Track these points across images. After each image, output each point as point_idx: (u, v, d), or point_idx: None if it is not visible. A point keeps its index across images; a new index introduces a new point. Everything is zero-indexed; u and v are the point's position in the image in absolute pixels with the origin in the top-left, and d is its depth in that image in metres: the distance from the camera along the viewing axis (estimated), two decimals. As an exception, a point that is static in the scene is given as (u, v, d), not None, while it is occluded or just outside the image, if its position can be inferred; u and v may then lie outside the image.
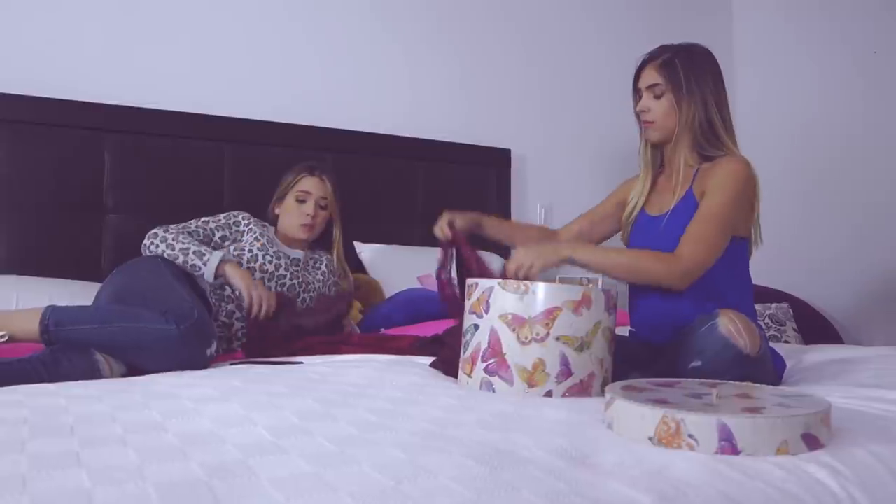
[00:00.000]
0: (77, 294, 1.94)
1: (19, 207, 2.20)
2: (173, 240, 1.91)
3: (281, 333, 1.85)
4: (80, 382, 1.28)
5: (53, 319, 1.53)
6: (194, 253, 1.89)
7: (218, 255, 1.90)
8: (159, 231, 1.94)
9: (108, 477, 0.72)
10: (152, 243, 1.91)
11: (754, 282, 1.70)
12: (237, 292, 1.91)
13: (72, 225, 2.26)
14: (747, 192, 1.58)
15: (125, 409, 1.03)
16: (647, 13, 3.51)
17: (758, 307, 2.72)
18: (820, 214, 3.25)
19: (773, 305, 3.02)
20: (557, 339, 1.25)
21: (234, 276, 1.90)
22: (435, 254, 2.67)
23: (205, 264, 1.89)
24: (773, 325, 2.95)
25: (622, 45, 3.34)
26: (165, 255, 1.89)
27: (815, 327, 3.06)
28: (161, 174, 2.39)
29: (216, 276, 1.90)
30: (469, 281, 1.36)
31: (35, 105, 2.21)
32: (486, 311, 1.29)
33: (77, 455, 0.79)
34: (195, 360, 1.53)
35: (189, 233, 1.98)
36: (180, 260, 1.89)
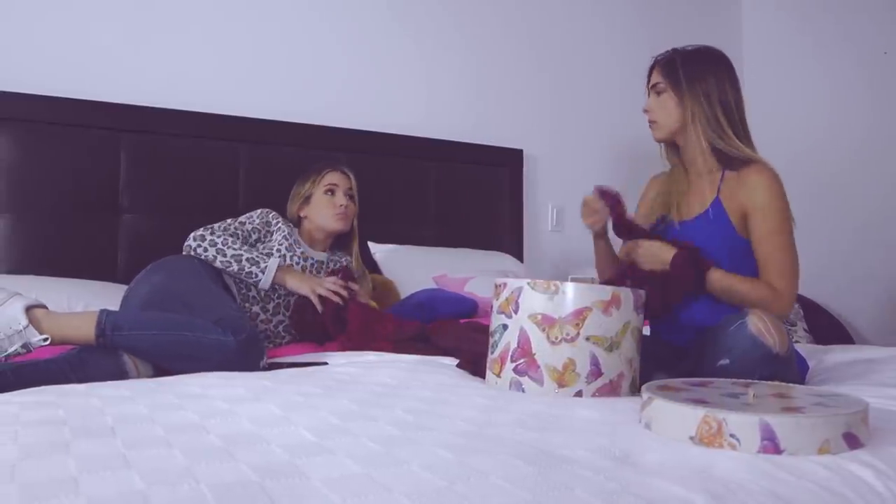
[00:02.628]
0: (97, 294, 1.94)
1: (35, 207, 2.19)
2: (223, 244, 1.88)
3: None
4: (109, 383, 1.27)
5: (111, 324, 1.50)
6: (248, 261, 1.88)
7: (274, 262, 1.90)
8: (206, 234, 1.90)
9: (160, 478, 0.72)
10: (199, 246, 1.87)
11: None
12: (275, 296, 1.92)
13: (87, 225, 2.25)
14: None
15: (161, 410, 1.02)
16: (656, 15, 3.51)
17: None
18: (829, 215, 3.25)
19: (784, 305, 3.02)
20: (587, 339, 1.25)
21: (294, 281, 1.91)
22: (447, 254, 2.71)
23: (262, 272, 1.88)
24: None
25: (633, 47, 3.34)
26: (217, 262, 1.87)
27: (826, 328, 3.05)
28: (176, 174, 2.38)
29: (273, 283, 1.91)
30: (497, 281, 1.36)
31: (50, 105, 2.21)
32: (516, 312, 1.29)
33: (124, 456, 0.79)
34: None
35: (231, 235, 1.96)
36: (234, 268, 1.87)
